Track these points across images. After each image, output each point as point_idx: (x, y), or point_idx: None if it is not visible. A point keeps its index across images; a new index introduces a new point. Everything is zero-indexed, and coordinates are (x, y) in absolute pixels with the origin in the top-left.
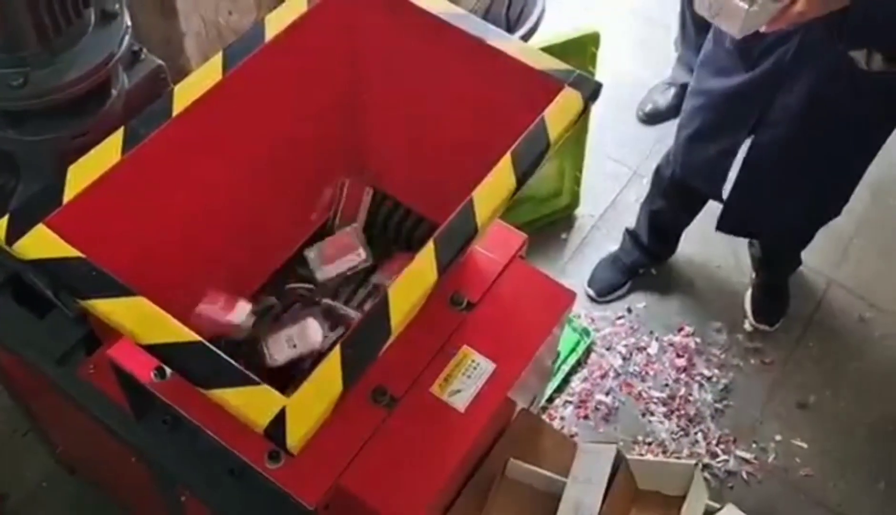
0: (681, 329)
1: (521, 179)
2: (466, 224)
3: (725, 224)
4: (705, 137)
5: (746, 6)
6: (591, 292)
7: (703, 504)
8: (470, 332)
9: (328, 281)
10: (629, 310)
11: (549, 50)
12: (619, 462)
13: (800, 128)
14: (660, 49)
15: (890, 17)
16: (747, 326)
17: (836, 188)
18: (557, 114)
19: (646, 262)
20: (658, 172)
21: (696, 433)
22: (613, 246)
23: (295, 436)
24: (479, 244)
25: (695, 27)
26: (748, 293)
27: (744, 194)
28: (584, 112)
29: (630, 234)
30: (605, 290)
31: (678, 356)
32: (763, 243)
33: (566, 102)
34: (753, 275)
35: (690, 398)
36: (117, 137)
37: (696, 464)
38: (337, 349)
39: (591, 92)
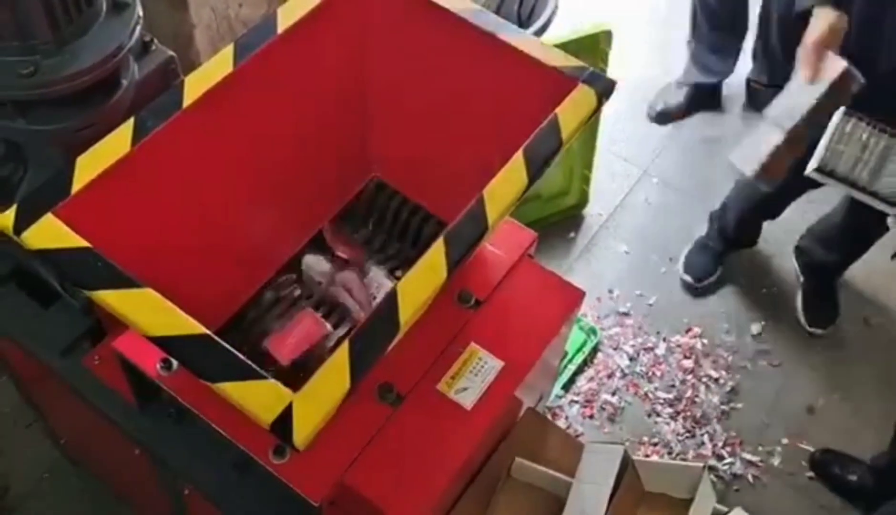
0: (688, 330)
1: (533, 177)
2: (477, 222)
3: None
4: None
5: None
6: (689, 279)
7: (710, 507)
8: (478, 330)
9: None
10: (637, 310)
11: (561, 47)
12: (625, 464)
13: None
14: (671, 48)
15: None
16: (755, 328)
17: None
18: (571, 111)
19: (733, 250)
20: None
21: (702, 435)
22: (622, 246)
23: (302, 432)
24: (488, 242)
25: (707, 26)
26: (798, 298)
27: None
28: (598, 110)
29: (718, 229)
30: (703, 275)
31: (685, 357)
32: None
33: (580, 99)
34: (802, 279)
35: (697, 400)
36: (127, 128)
37: (704, 466)
38: (345, 344)
39: (605, 89)
